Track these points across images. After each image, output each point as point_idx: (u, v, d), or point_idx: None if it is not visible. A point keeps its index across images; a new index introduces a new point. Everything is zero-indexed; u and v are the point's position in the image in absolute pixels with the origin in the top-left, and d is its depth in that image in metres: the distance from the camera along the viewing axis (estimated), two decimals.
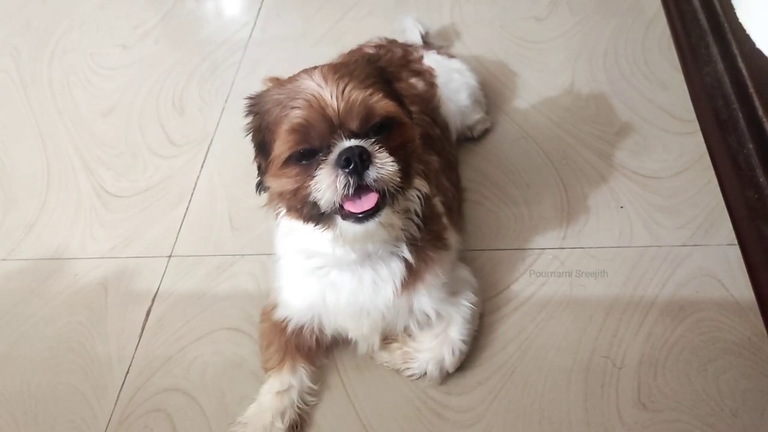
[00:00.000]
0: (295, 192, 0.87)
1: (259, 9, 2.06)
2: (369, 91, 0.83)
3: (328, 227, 0.89)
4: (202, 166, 1.59)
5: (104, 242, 1.47)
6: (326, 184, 0.82)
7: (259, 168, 0.96)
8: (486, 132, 1.50)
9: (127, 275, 1.39)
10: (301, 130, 0.83)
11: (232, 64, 1.87)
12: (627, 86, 1.55)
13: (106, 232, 1.49)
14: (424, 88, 1.34)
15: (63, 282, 1.40)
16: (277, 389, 1.08)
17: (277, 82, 0.92)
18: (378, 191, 0.84)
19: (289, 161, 0.85)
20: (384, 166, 0.82)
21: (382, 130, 0.85)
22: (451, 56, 1.53)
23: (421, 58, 1.42)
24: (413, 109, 1.07)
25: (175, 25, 2.09)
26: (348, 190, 0.82)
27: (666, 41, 1.65)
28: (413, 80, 1.34)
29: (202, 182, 1.56)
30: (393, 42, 1.49)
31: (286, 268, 1.08)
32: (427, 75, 1.38)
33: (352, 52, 1.47)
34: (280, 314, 1.10)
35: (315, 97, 0.82)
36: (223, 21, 2.07)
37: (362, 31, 1.79)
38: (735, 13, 1.35)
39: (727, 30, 1.41)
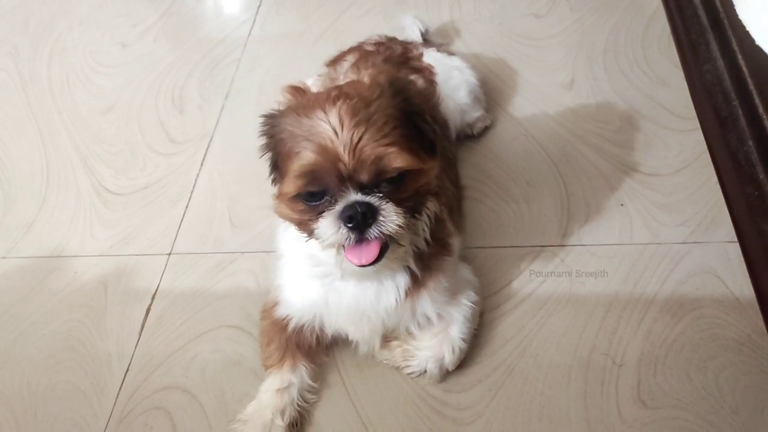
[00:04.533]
0: (300, 223, 0.89)
1: (259, 7, 2.06)
2: (386, 142, 0.81)
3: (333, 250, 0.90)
4: (201, 164, 1.59)
5: (104, 240, 1.47)
6: (328, 233, 0.83)
7: (274, 180, 0.95)
8: (486, 130, 1.50)
9: (127, 273, 1.39)
10: (310, 175, 0.83)
11: (232, 61, 1.87)
12: (627, 83, 1.55)
13: (105, 230, 1.49)
14: (423, 85, 1.34)
15: (62, 280, 1.40)
16: (277, 387, 1.08)
17: (296, 94, 0.91)
18: (380, 240, 0.85)
19: (296, 198, 0.86)
20: (388, 222, 0.83)
21: (396, 179, 0.84)
22: (451, 54, 1.52)
23: (421, 55, 1.42)
24: None
25: (174, 23, 2.08)
26: (349, 242, 0.83)
27: (666, 38, 1.64)
28: (412, 78, 1.34)
29: (202, 180, 1.56)
30: (392, 40, 1.49)
31: (288, 267, 1.08)
32: (426, 73, 1.38)
33: (352, 50, 1.47)
34: (281, 312, 1.10)
35: (328, 146, 0.81)
36: (223, 19, 2.07)
37: (361, 29, 1.79)
38: (735, 11, 1.35)
39: (727, 27, 1.41)
